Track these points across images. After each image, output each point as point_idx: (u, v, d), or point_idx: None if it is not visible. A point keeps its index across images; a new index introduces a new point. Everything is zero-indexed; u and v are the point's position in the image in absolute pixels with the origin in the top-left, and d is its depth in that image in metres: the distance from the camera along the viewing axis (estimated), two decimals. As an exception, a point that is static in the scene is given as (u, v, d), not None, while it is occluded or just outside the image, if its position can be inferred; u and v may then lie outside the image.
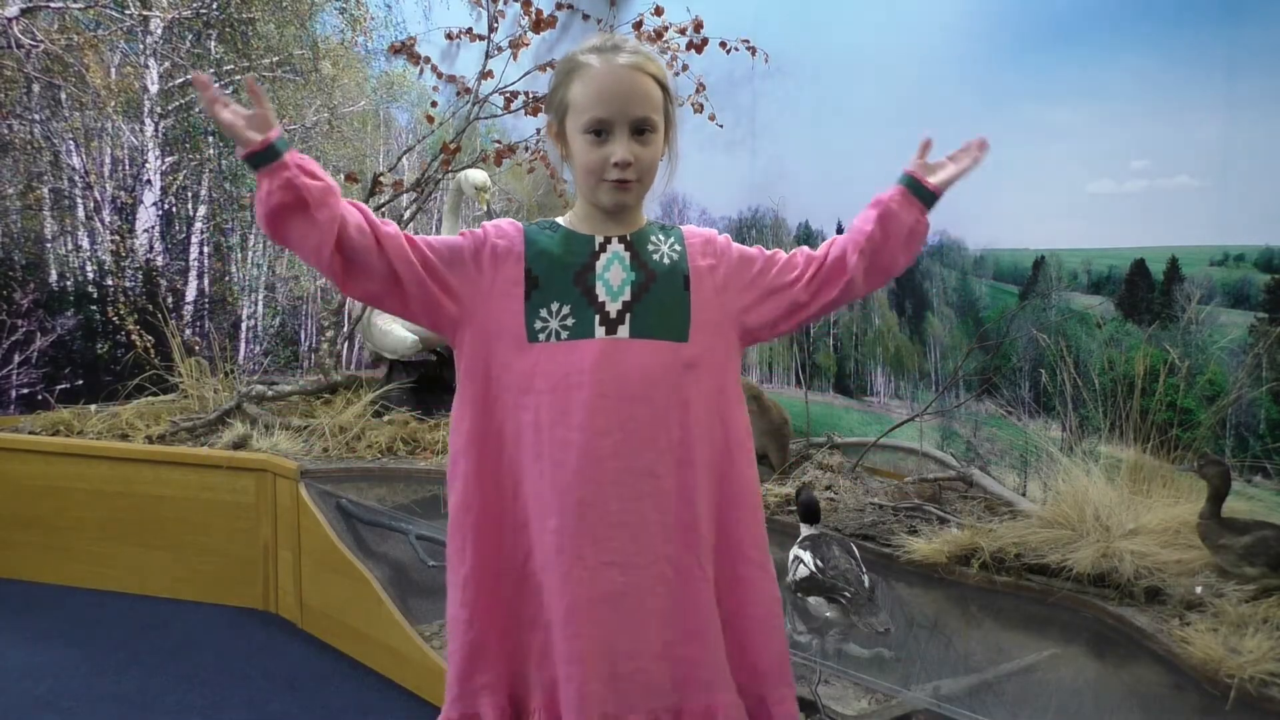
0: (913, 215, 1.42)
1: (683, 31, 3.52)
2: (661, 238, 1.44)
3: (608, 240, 1.41)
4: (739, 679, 1.44)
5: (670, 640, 1.39)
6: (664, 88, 1.38)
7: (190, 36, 4.26)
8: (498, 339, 1.38)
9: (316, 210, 1.26)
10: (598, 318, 1.37)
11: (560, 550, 1.36)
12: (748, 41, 3.46)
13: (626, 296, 1.38)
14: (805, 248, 1.47)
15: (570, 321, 1.37)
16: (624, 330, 1.37)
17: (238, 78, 4.40)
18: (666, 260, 1.41)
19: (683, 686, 1.40)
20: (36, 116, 3.92)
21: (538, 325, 1.37)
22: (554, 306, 1.37)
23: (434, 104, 3.81)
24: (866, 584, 1.94)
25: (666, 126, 1.40)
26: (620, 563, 1.36)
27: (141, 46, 4.14)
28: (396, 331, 3.57)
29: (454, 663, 1.44)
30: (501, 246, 1.40)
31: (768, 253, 1.47)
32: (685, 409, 1.39)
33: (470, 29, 3.78)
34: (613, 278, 1.38)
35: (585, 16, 3.77)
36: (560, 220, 1.45)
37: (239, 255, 4.51)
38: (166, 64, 4.21)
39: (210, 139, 4.36)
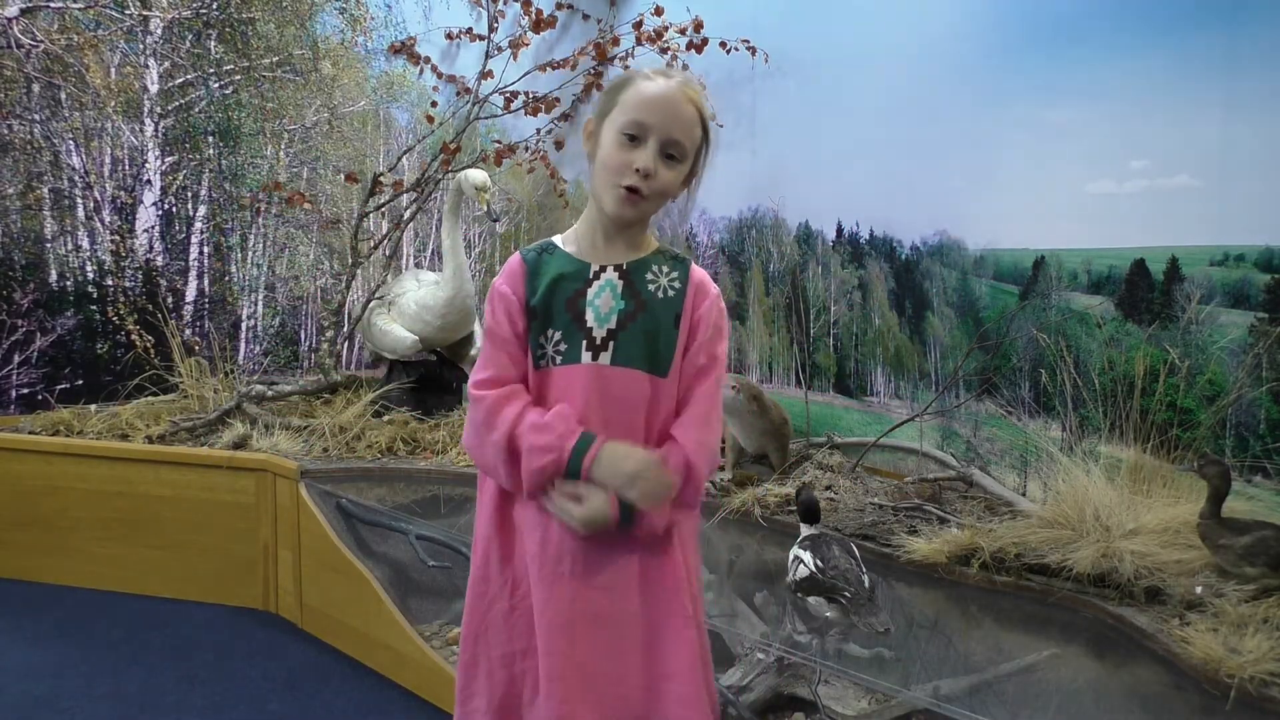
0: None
1: (683, 31, 3.52)
2: (664, 269, 1.44)
3: (603, 269, 1.42)
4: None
5: (653, 673, 1.41)
6: (704, 128, 1.40)
7: (190, 36, 4.26)
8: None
9: None
10: (584, 343, 1.39)
11: (543, 568, 1.39)
12: (748, 41, 3.46)
13: (612, 324, 1.40)
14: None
15: (563, 347, 1.40)
16: (606, 357, 1.39)
17: (237, 78, 4.40)
18: (662, 294, 1.42)
19: (641, 711, 1.42)
20: (36, 116, 3.92)
21: (538, 352, 1.41)
22: (549, 333, 1.41)
23: (434, 104, 3.81)
24: (866, 584, 1.94)
25: (693, 171, 1.42)
26: (604, 586, 1.39)
27: (141, 46, 4.14)
28: (396, 331, 3.57)
29: (457, 679, 1.50)
30: (515, 287, 1.43)
31: (704, 372, 1.44)
32: (654, 444, 1.41)
33: (470, 29, 3.78)
34: (602, 304, 1.40)
35: (585, 16, 3.77)
36: (559, 240, 1.47)
37: (239, 255, 4.51)
38: (166, 64, 4.21)
39: (210, 139, 4.36)
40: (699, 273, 1.47)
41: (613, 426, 1.38)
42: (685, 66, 3.55)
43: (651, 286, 1.42)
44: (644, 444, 1.40)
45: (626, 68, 3.60)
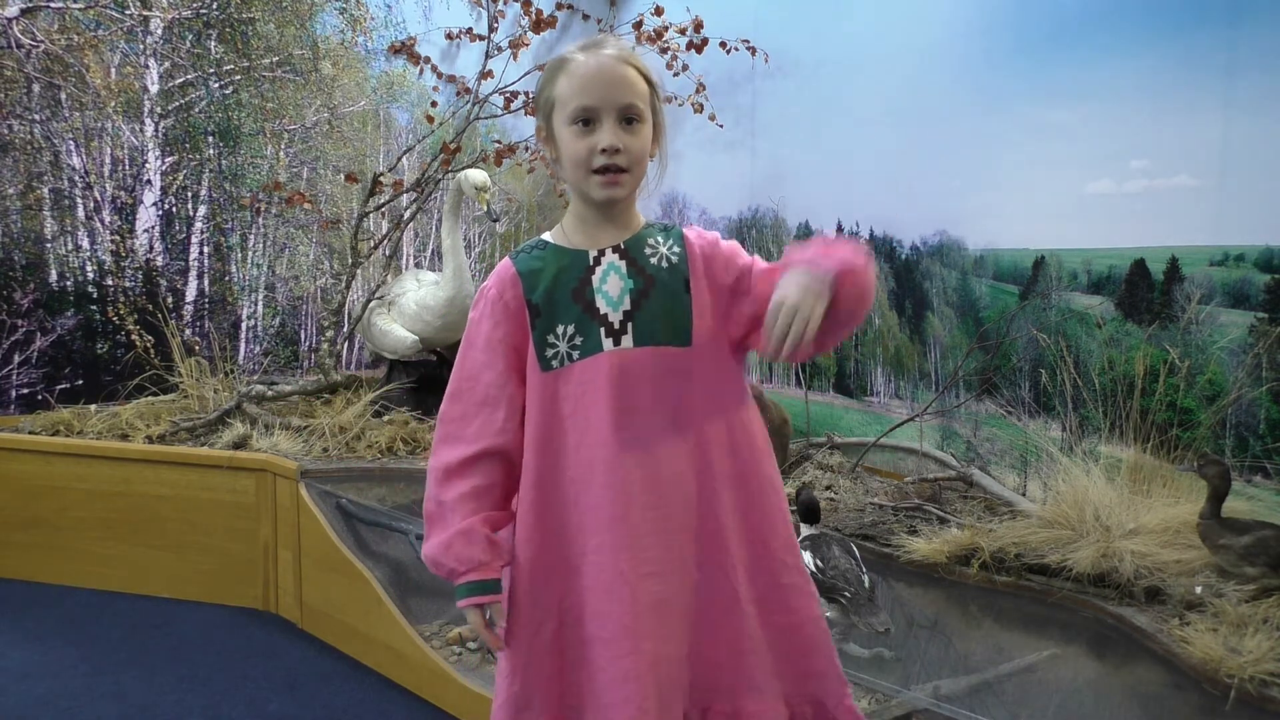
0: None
1: (683, 31, 3.53)
2: (660, 239, 1.41)
3: (602, 253, 1.38)
4: (792, 686, 1.41)
5: (695, 641, 1.38)
6: (650, 83, 1.36)
7: (190, 36, 4.26)
8: (530, 376, 1.38)
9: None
10: (602, 330, 1.35)
11: (602, 570, 1.34)
12: (748, 41, 3.46)
13: (626, 306, 1.36)
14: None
15: (579, 340, 1.35)
16: (627, 340, 1.35)
17: (237, 78, 4.40)
18: (665, 263, 1.39)
19: (705, 689, 1.39)
20: (36, 116, 3.92)
21: (549, 353, 1.36)
22: (559, 329, 1.35)
23: (434, 104, 3.81)
24: (866, 584, 1.94)
25: (655, 125, 1.38)
26: (657, 573, 1.34)
27: (141, 46, 4.14)
28: (396, 331, 3.57)
29: (502, 716, 1.41)
30: (509, 296, 1.38)
31: (749, 261, 1.42)
32: (697, 414, 1.38)
33: (470, 29, 3.78)
34: (610, 288, 1.36)
35: (585, 16, 3.77)
36: (549, 236, 1.43)
37: (239, 255, 4.51)
38: (166, 64, 4.21)
39: (210, 139, 4.36)
40: (693, 230, 1.44)
41: (648, 410, 1.34)
42: (685, 67, 3.55)
43: (654, 259, 1.38)
44: (683, 422, 1.36)
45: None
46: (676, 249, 1.40)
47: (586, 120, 1.32)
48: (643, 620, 1.32)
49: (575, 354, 1.35)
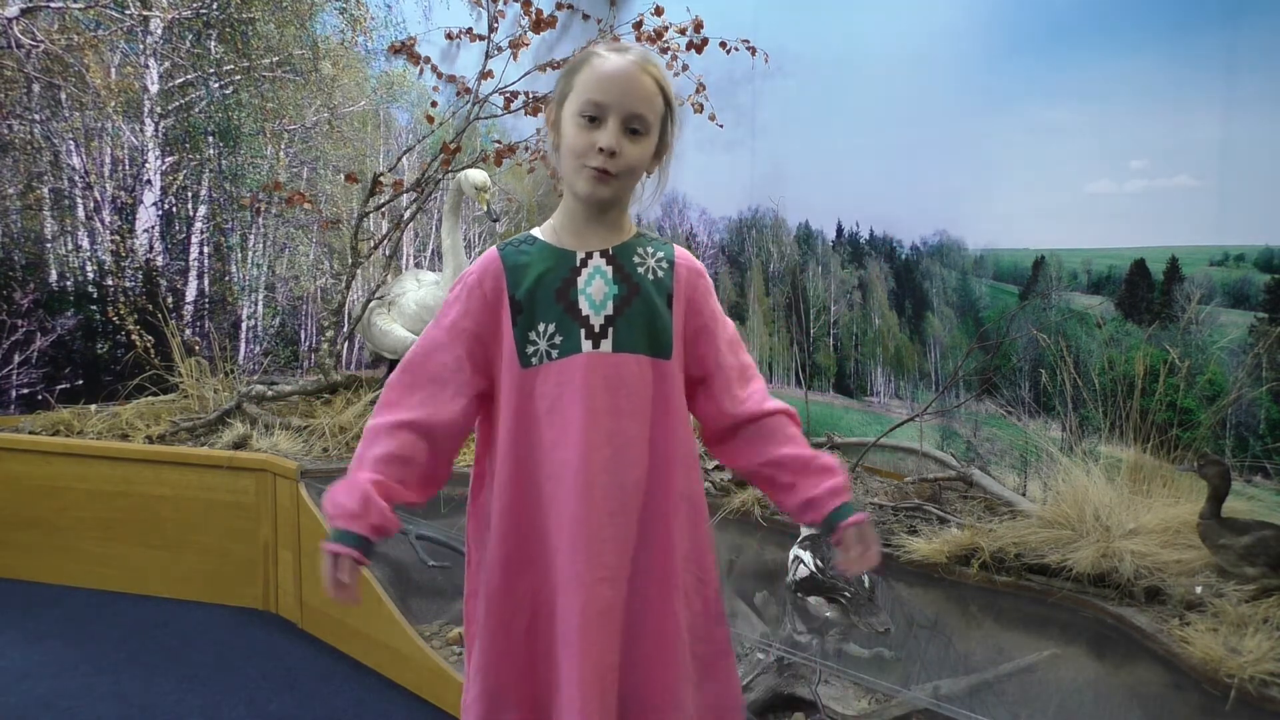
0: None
1: (683, 31, 3.53)
2: (649, 250, 1.42)
3: (589, 255, 1.39)
4: (700, 716, 1.44)
5: (631, 654, 1.39)
6: (666, 99, 1.37)
7: (190, 36, 4.26)
8: (508, 371, 1.38)
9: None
10: (583, 331, 1.36)
11: (562, 570, 1.36)
12: (748, 41, 3.46)
13: (609, 310, 1.37)
14: (757, 397, 1.45)
15: (559, 339, 1.36)
16: (607, 344, 1.36)
17: (237, 78, 4.40)
18: (652, 275, 1.40)
19: (633, 702, 1.40)
20: (36, 116, 3.92)
21: (529, 350, 1.36)
22: (540, 327, 1.36)
23: (434, 104, 3.81)
24: (866, 584, 1.94)
25: (662, 143, 1.39)
26: (609, 578, 1.36)
27: (141, 46, 4.14)
28: (396, 331, 3.57)
29: (475, 710, 1.42)
30: (489, 285, 1.39)
31: (728, 346, 1.45)
32: (669, 427, 1.39)
33: (470, 29, 3.78)
34: (595, 291, 1.37)
35: (585, 16, 3.77)
36: (538, 232, 1.43)
37: (239, 255, 4.51)
38: (166, 64, 4.21)
39: (210, 139, 4.36)
40: (684, 253, 1.45)
41: (621, 415, 1.35)
42: (685, 67, 3.55)
43: (641, 269, 1.40)
44: (654, 433, 1.38)
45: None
46: (665, 264, 1.42)
47: (593, 116, 1.32)
48: (592, 626, 1.34)
49: (554, 353, 1.36)
